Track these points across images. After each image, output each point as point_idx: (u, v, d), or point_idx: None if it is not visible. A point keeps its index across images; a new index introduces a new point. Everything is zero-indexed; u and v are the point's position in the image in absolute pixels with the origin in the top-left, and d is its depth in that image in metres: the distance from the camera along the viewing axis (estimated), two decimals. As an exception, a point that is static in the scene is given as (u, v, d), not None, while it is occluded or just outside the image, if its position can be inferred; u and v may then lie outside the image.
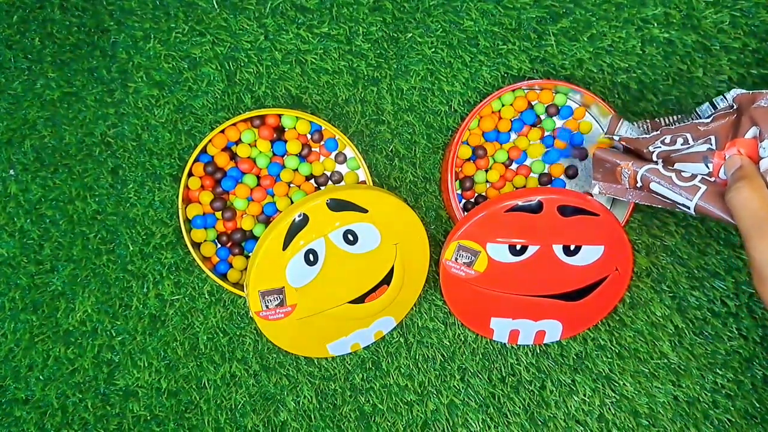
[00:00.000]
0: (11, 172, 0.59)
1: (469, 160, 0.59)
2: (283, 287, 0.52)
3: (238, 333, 0.60)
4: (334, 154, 0.59)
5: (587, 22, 0.59)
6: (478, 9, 0.59)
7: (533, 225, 0.52)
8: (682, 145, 0.47)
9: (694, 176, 0.45)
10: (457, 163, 0.58)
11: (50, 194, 0.59)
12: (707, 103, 0.48)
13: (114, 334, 0.60)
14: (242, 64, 0.59)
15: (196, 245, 0.58)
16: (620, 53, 0.59)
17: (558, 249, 0.53)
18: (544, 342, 0.59)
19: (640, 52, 0.59)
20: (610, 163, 0.51)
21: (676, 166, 0.47)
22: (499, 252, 0.53)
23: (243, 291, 0.54)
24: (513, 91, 0.57)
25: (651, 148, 0.49)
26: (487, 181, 0.59)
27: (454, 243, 0.53)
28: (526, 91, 0.58)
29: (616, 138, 0.52)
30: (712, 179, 0.45)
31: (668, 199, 0.47)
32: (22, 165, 0.59)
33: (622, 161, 0.50)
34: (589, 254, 0.53)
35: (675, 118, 0.51)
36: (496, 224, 0.52)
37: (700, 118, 0.49)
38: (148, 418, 0.60)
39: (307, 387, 0.60)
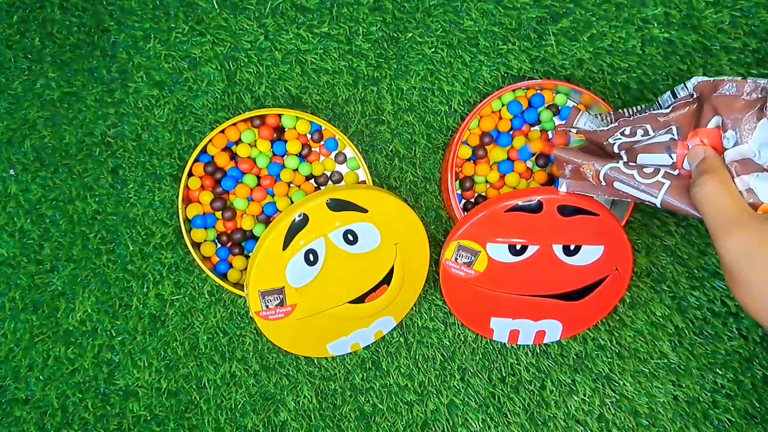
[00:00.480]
0: (11, 172, 0.59)
1: (469, 160, 0.59)
2: (283, 287, 0.52)
3: (238, 333, 0.60)
4: (334, 154, 0.59)
5: (587, 22, 0.59)
6: (478, 9, 0.59)
7: (533, 225, 0.52)
8: (642, 136, 0.46)
9: (657, 171, 0.44)
10: (457, 163, 0.58)
11: (50, 194, 0.59)
12: (668, 92, 0.46)
13: (114, 334, 0.60)
14: (242, 64, 0.59)
15: (196, 245, 0.58)
16: (620, 53, 0.59)
17: (558, 249, 0.53)
18: (544, 342, 0.59)
19: (640, 52, 0.59)
20: (571, 163, 0.49)
21: (639, 157, 0.45)
22: (499, 252, 0.53)
23: (243, 291, 0.54)
24: (513, 91, 0.57)
25: (611, 140, 0.48)
26: (486, 182, 0.59)
27: (454, 243, 0.53)
28: (525, 91, 0.58)
29: (573, 131, 0.51)
30: (676, 172, 0.43)
31: (633, 197, 0.45)
32: (22, 165, 0.59)
33: (583, 161, 0.48)
34: (589, 254, 0.53)
35: (637, 108, 0.49)
36: (496, 224, 0.52)
37: (661, 108, 0.47)
38: (148, 418, 0.60)
39: (307, 387, 0.60)
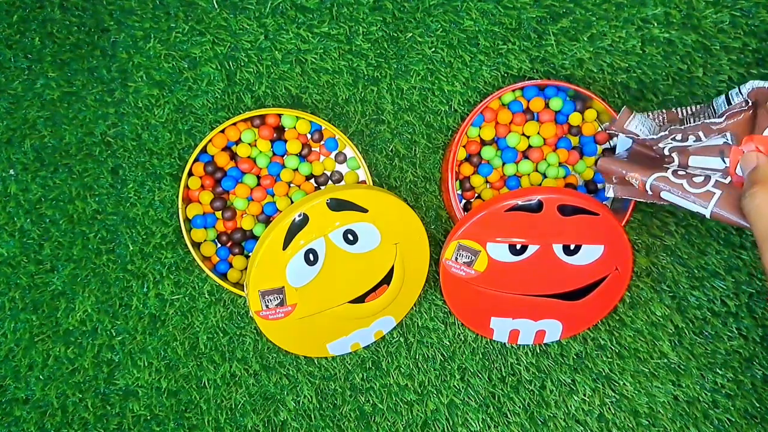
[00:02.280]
0: (11, 171, 0.59)
1: (468, 160, 0.59)
2: (283, 287, 0.52)
3: (238, 333, 0.60)
4: (334, 153, 0.59)
5: (587, 22, 0.59)
6: (478, 9, 0.59)
7: (533, 224, 0.52)
8: (694, 141, 0.45)
9: (707, 180, 0.43)
10: (456, 162, 0.58)
11: (50, 194, 0.59)
12: (723, 96, 0.45)
13: (114, 334, 0.60)
14: (242, 64, 0.59)
15: (196, 245, 0.58)
16: (620, 53, 0.59)
17: (558, 248, 0.53)
18: (544, 342, 0.59)
19: (640, 51, 0.59)
20: (616, 174, 0.49)
21: (691, 159, 0.45)
22: (499, 251, 0.53)
23: (243, 291, 0.54)
24: (513, 91, 0.57)
25: (662, 144, 0.47)
26: (486, 182, 0.59)
27: (454, 242, 0.53)
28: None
29: (621, 136, 0.50)
30: (728, 179, 0.42)
31: (681, 207, 0.45)
32: (22, 165, 0.59)
33: (627, 171, 0.48)
34: (589, 254, 0.53)
35: (691, 110, 0.48)
36: (496, 224, 0.52)
37: (715, 113, 0.46)
38: (148, 417, 0.60)
39: (307, 387, 0.60)
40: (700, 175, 0.43)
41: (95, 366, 0.60)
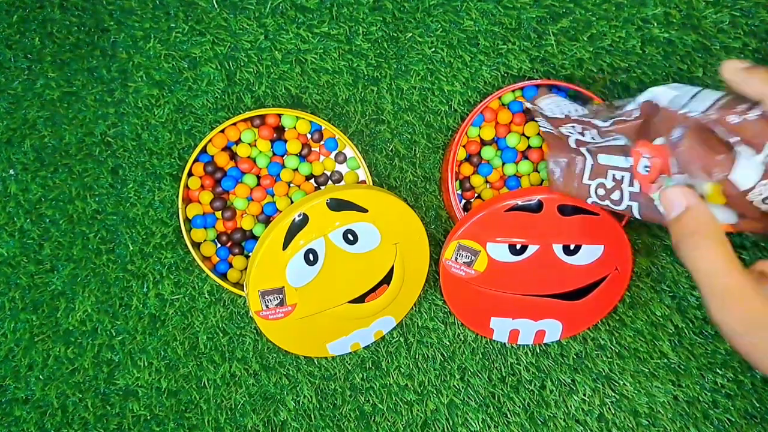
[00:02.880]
0: (11, 171, 0.59)
1: (468, 160, 0.59)
2: (283, 287, 0.52)
3: (238, 333, 0.60)
4: (334, 153, 0.59)
5: (587, 22, 0.59)
6: (478, 9, 0.59)
7: (533, 224, 0.52)
8: (592, 139, 0.45)
9: (621, 198, 0.43)
10: (456, 162, 0.58)
11: (50, 194, 0.59)
12: (631, 100, 0.42)
13: (114, 334, 0.60)
14: (242, 64, 0.59)
15: (196, 245, 0.58)
16: (620, 53, 0.59)
17: (558, 248, 0.53)
18: (544, 342, 0.59)
19: (640, 51, 0.59)
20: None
21: (599, 158, 0.45)
22: (499, 251, 0.53)
23: (243, 291, 0.54)
24: (513, 91, 0.57)
25: (564, 131, 0.46)
26: (486, 182, 0.59)
27: (454, 242, 0.53)
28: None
29: (529, 105, 0.50)
30: (635, 186, 0.42)
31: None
32: (22, 165, 0.59)
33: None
34: (589, 254, 0.53)
35: (618, 103, 0.46)
36: (496, 224, 0.52)
37: (613, 114, 0.43)
38: (148, 417, 0.60)
39: (307, 387, 0.60)
40: (615, 190, 0.43)
41: (95, 366, 0.60)
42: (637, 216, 0.43)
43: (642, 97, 0.39)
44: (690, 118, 0.35)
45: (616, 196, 0.44)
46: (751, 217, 0.36)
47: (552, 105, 0.48)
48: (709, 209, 0.34)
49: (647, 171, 0.39)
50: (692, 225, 0.33)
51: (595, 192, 0.46)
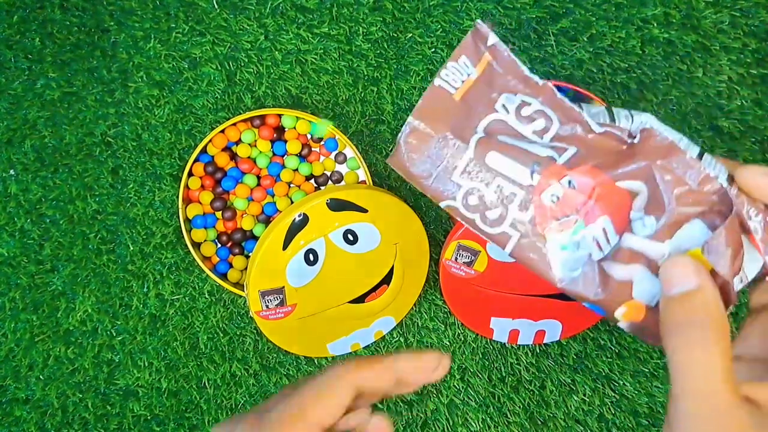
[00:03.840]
0: (12, 171, 0.59)
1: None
2: (283, 287, 0.52)
3: (238, 333, 0.60)
4: (334, 154, 0.60)
5: (587, 22, 0.59)
6: (478, 9, 0.59)
7: (533, 225, 0.52)
8: (533, 132, 0.30)
9: (501, 220, 0.31)
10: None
11: (50, 194, 0.59)
12: (626, 112, 0.30)
13: (114, 334, 0.60)
14: (242, 64, 0.59)
15: (197, 245, 0.58)
16: (620, 53, 0.59)
17: (558, 249, 0.53)
18: (544, 342, 0.59)
19: (640, 52, 0.59)
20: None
21: (489, 156, 0.31)
22: (499, 251, 0.53)
23: (243, 291, 0.54)
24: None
25: (494, 95, 0.31)
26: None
27: (454, 242, 0.53)
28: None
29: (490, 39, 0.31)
30: (527, 213, 0.30)
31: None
32: (22, 165, 0.59)
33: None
34: (589, 254, 0.53)
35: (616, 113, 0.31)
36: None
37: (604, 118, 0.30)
38: (149, 417, 0.60)
39: (307, 387, 0.60)
40: (496, 208, 0.31)
41: (95, 366, 0.60)
42: (506, 252, 0.31)
43: (638, 121, 0.30)
44: (721, 189, 0.28)
45: (493, 214, 0.31)
46: None
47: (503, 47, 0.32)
48: (721, 303, 0.25)
49: (555, 202, 0.30)
50: (699, 313, 0.25)
51: (464, 199, 0.32)
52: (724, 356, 0.24)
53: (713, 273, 0.26)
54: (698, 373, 0.24)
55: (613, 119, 0.30)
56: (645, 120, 0.29)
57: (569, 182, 0.30)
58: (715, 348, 0.24)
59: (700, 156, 0.28)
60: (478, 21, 0.31)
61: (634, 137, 0.29)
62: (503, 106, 0.31)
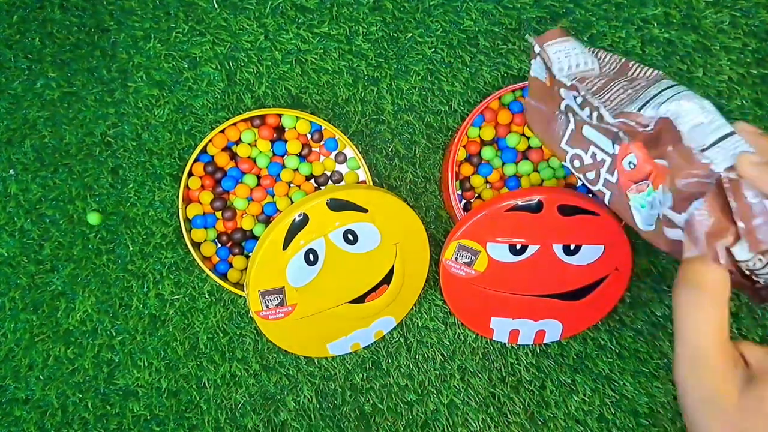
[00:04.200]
0: (11, 171, 0.59)
1: (468, 160, 0.59)
2: (283, 287, 0.52)
3: (238, 333, 0.60)
4: (334, 153, 0.59)
5: (587, 22, 0.59)
6: (478, 9, 0.59)
7: (533, 225, 0.52)
8: (588, 117, 0.38)
9: (597, 179, 0.39)
10: (456, 162, 0.58)
11: (50, 194, 0.59)
12: (649, 98, 0.35)
13: (114, 334, 0.60)
14: (242, 64, 0.59)
15: (196, 245, 0.58)
16: (620, 53, 0.59)
17: (558, 248, 0.53)
18: (544, 342, 0.59)
19: (640, 52, 0.59)
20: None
21: (584, 129, 0.39)
22: (499, 252, 0.53)
23: (243, 291, 0.54)
24: (513, 91, 0.57)
25: (562, 93, 0.40)
26: (486, 182, 0.59)
27: (454, 243, 0.53)
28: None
29: (536, 47, 0.40)
30: (614, 175, 0.37)
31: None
32: (22, 165, 0.59)
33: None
34: (589, 254, 0.53)
35: (646, 73, 0.38)
36: (496, 224, 0.52)
37: (637, 97, 0.36)
38: (148, 417, 0.60)
39: (307, 387, 0.60)
40: (592, 169, 0.39)
41: (95, 366, 0.60)
42: (606, 203, 0.39)
43: (664, 110, 0.34)
44: (713, 174, 0.32)
45: (591, 175, 0.39)
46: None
47: (562, 55, 0.39)
48: (727, 275, 0.31)
49: (632, 168, 0.36)
50: (705, 276, 0.31)
51: (571, 161, 0.41)
52: (717, 316, 0.30)
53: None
54: (698, 324, 0.30)
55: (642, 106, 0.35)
56: (671, 108, 0.34)
57: (638, 155, 0.35)
58: (711, 309, 0.30)
59: (722, 138, 0.33)
60: (529, 37, 0.43)
61: (647, 126, 0.35)
62: (565, 94, 0.40)
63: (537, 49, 0.40)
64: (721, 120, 0.33)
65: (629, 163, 0.36)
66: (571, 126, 0.40)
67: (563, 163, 0.42)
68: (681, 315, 0.31)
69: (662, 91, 0.36)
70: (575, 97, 0.39)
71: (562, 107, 0.40)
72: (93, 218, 0.55)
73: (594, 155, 0.39)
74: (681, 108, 0.33)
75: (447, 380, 0.61)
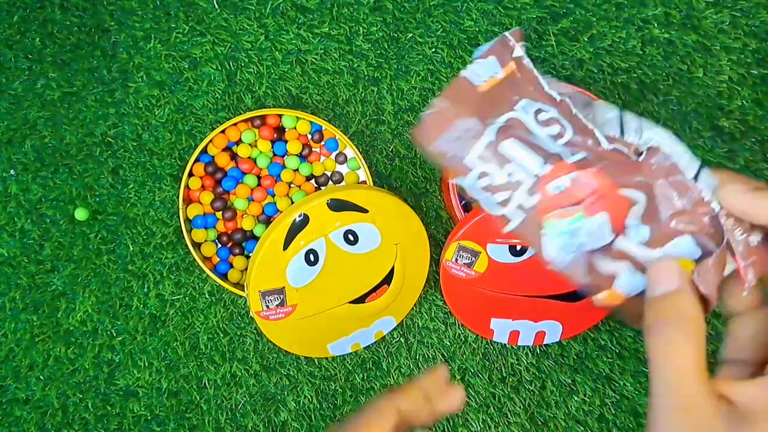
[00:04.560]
0: (12, 172, 0.59)
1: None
2: (284, 287, 0.52)
3: (238, 333, 0.60)
4: (334, 154, 0.60)
5: (587, 22, 0.59)
6: (479, 9, 0.59)
7: (533, 225, 0.52)
8: (547, 135, 0.32)
9: (507, 203, 0.33)
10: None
11: (51, 194, 0.59)
12: (615, 113, 0.32)
13: (114, 334, 0.60)
14: (243, 64, 0.59)
15: (197, 245, 0.58)
16: (620, 53, 0.59)
17: (558, 249, 0.53)
18: (544, 342, 0.59)
19: (641, 52, 0.59)
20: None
21: (505, 143, 0.32)
22: (500, 252, 0.53)
23: (243, 291, 0.54)
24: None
25: (522, 105, 0.33)
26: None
27: (454, 243, 0.53)
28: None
29: (519, 49, 0.32)
30: (534, 198, 0.32)
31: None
32: (22, 165, 0.59)
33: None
34: (590, 254, 0.53)
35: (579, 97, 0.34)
36: (497, 224, 0.52)
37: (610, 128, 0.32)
38: (149, 418, 0.60)
39: (307, 387, 0.60)
40: (504, 191, 0.33)
41: (96, 366, 0.60)
42: (508, 230, 0.33)
43: (645, 137, 0.31)
44: (713, 214, 0.30)
45: (500, 197, 0.33)
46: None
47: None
48: (698, 302, 0.28)
49: (559, 191, 0.31)
50: (676, 311, 0.27)
51: (476, 179, 0.34)
52: (697, 354, 0.26)
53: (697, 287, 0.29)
54: (672, 368, 0.26)
55: (622, 132, 0.32)
56: (653, 137, 0.31)
57: (575, 178, 0.31)
58: (689, 346, 0.26)
59: (698, 173, 0.30)
60: (507, 33, 0.33)
61: (641, 154, 0.31)
62: (523, 107, 0.33)
63: (519, 51, 0.33)
64: (689, 150, 0.31)
65: (557, 186, 0.32)
66: (488, 138, 0.33)
67: (456, 181, 0.34)
68: (659, 359, 0.26)
69: (615, 117, 0.32)
70: (541, 111, 0.32)
71: (502, 120, 0.33)
72: (80, 214, 0.55)
73: (510, 174, 0.33)
74: (660, 137, 0.31)
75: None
